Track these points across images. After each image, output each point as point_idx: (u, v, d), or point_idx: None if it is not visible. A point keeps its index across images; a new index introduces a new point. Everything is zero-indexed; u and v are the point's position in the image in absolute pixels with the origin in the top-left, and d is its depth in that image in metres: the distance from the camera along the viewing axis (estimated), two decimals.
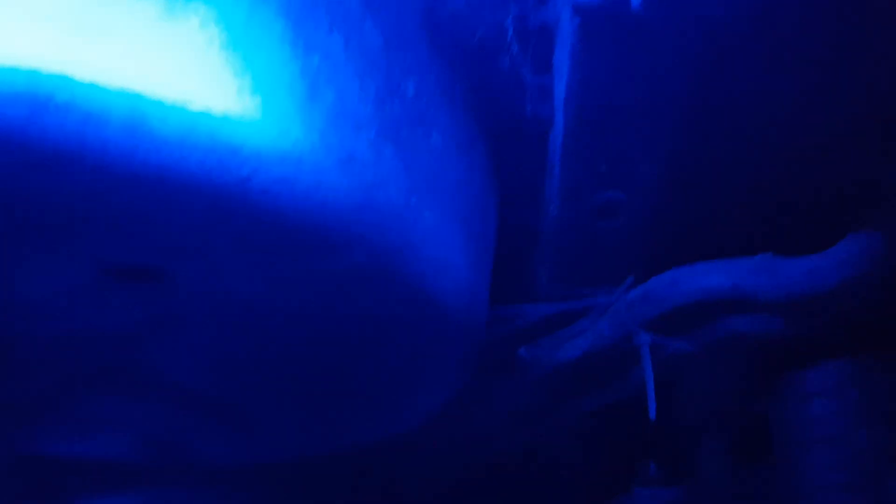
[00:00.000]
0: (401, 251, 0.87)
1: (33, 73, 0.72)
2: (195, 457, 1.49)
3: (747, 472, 1.46)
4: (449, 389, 1.24)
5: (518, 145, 1.28)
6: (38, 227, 0.80)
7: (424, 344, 1.05)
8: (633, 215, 1.25)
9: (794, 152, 1.23)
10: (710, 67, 1.06)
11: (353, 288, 0.90)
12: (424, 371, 1.13)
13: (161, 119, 0.73)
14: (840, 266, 1.19)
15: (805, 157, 1.23)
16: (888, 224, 1.18)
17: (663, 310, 1.29)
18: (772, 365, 1.33)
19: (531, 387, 1.49)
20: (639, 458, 1.62)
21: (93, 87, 0.72)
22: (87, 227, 0.79)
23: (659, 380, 1.33)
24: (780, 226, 1.28)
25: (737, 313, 1.24)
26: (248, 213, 0.76)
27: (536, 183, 1.34)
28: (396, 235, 0.87)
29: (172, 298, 0.93)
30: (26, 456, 1.54)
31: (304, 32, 0.84)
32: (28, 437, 1.40)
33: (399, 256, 0.88)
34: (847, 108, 1.16)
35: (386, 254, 0.86)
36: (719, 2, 0.87)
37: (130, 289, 0.91)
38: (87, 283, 0.90)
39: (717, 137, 1.20)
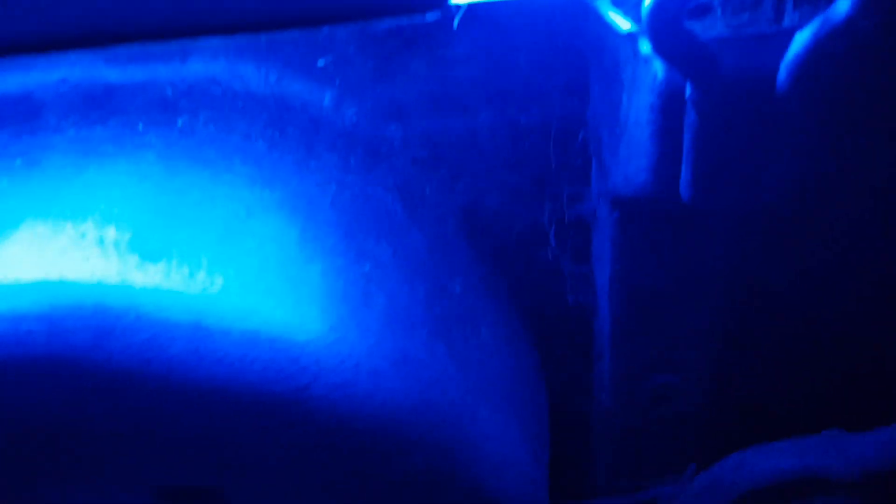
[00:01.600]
0: (459, 451, 0.86)
1: (99, 300, 0.75)
2: None
3: None
4: None
5: (563, 335, 1.29)
6: (101, 449, 0.81)
7: None
8: (689, 399, 1.22)
9: (845, 321, 1.22)
10: (753, 247, 1.07)
11: (413, 492, 0.87)
12: None
13: (223, 333, 0.75)
14: None
15: (858, 325, 1.22)
16: None
17: (732, 497, 1.23)
18: None
19: None
20: None
21: (157, 307, 0.75)
22: (148, 450, 0.80)
23: None
24: (842, 399, 1.25)
25: (811, 496, 1.18)
26: (307, 420, 0.76)
27: (585, 372, 1.33)
28: (454, 435, 0.85)
29: None
30: None
31: (354, 244, 0.88)
32: None
33: (458, 456, 0.86)
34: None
35: (444, 454, 0.84)
36: (767, 191, 0.90)
37: None
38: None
39: (766, 314, 1.20)
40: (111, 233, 0.80)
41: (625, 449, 1.35)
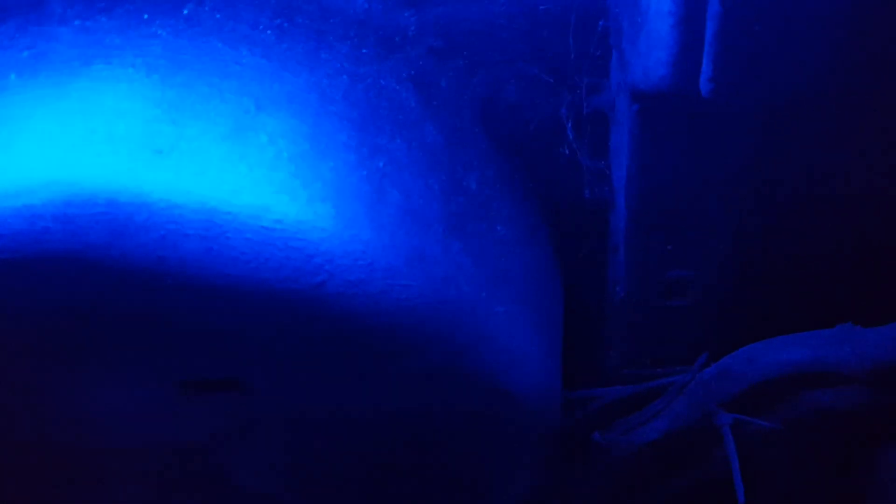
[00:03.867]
0: (475, 346, 0.87)
1: (112, 197, 0.75)
2: None
3: None
4: (528, 479, 1.21)
5: (579, 228, 1.28)
6: (120, 345, 0.82)
7: (502, 436, 1.03)
8: (703, 293, 1.23)
9: (862, 218, 1.20)
10: (772, 142, 1.05)
11: (429, 387, 0.89)
12: (503, 463, 1.11)
13: (237, 231, 0.74)
14: None
15: (876, 221, 1.20)
16: None
17: (742, 387, 1.25)
18: (864, 436, 1.27)
19: (609, 472, 1.45)
20: None
21: (169, 205, 0.74)
22: (167, 343, 0.81)
23: (743, 458, 1.28)
24: (856, 295, 1.24)
25: (820, 387, 1.19)
26: (323, 317, 0.77)
27: (600, 265, 1.33)
28: (470, 331, 0.86)
29: (249, 407, 0.93)
30: None
31: (368, 139, 0.86)
32: None
33: (474, 352, 0.87)
34: None
35: (460, 350, 0.86)
36: (786, 87, 0.87)
37: (209, 400, 0.91)
38: (166, 396, 0.91)
39: (783, 210, 1.18)
40: (121, 128, 0.79)
41: (637, 339, 1.36)
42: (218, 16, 0.89)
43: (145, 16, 0.88)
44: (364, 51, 0.95)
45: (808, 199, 1.15)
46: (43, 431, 0.99)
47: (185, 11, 0.89)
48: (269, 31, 0.90)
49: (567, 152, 1.18)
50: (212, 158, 0.79)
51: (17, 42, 0.89)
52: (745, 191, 1.10)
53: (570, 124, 1.16)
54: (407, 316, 0.80)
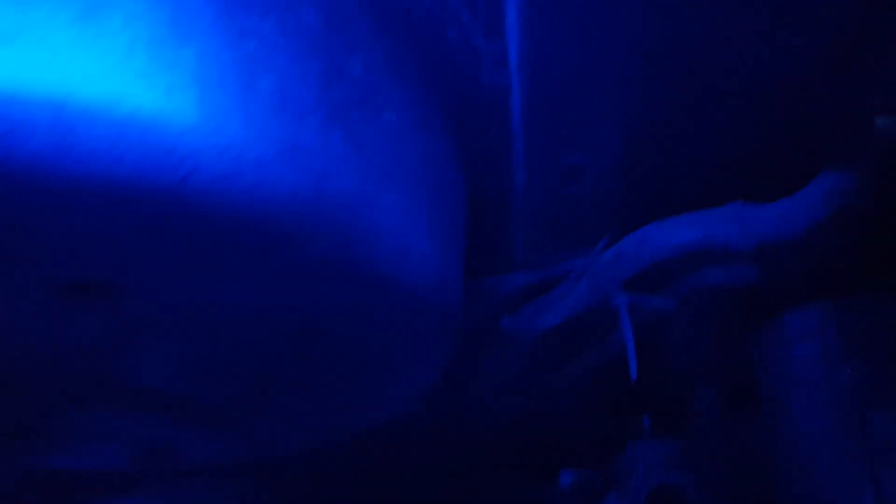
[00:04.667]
0: (359, 241, 0.84)
1: None
2: (183, 460, 1.47)
3: (739, 419, 1.45)
4: (431, 371, 1.22)
5: (479, 115, 1.25)
6: None
7: (397, 330, 1.02)
8: (601, 176, 1.23)
9: (758, 94, 1.20)
10: (666, 14, 1.02)
11: (312, 281, 0.87)
12: (402, 356, 1.11)
13: (88, 124, 0.69)
14: (809, 210, 1.16)
15: (769, 97, 1.20)
16: (855, 163, 1.15)
17: (637, 269, 1.27)
18: (752, 312, 1.31)
19: (517, 356, 1.48)
20: (632, 414, 1.61)
21: (12, 97, 0.68)
22: (27, 248, 0.76)
23: (642, 337, 1.31)
24: (750, 172, 1.26)
25: (710, 265, 1.22)
26: (190, 214, 0.73)
27: (502, 152, 1.31)
28: (352, 225, 0.83)
29: (131, 308, 0.90)
30: (30, 471, 1.53)
31: (236, 20, 0.80)
32: (26, 455, 1.38)
33: (358, 246, 0.85)
34: (811, 43, 1.13)
35: (343, 245, 0.83)
36: None
37: (85, 304, 0.87)
38: (42, 301, 0.86)
39: (679, 88, 1.17)
40: None
41: (539, 225, 1.37)
42: None
43: None
44: None
45: (702, 73, 1.14)
46: None
47: None
48: None
49: (462, 34, 1.14)
50: (60, 45, 0.72)
51: None
52: (638, 70, 1.08)
53: (463, 3, 1.11)
54: (280, 210, 0.77)
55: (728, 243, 1.19)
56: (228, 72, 0.77)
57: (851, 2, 1.07)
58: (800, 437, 1.23)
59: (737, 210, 1.20)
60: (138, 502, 1.71)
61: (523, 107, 1.13)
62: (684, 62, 1.13)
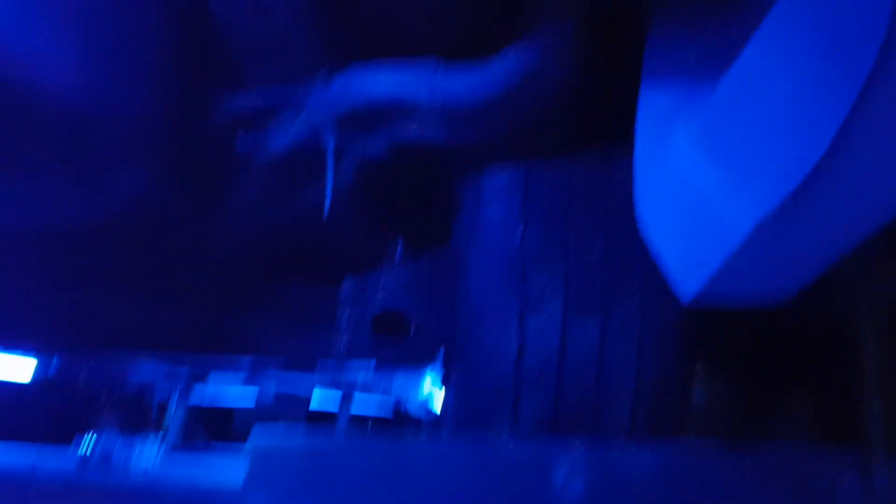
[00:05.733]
0: None
1: None
2: None
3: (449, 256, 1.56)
4: (121, 177, 1.26)
5: None
6: None
7: (31, 135, 1.04)
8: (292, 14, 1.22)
9: None
10: None
11: None
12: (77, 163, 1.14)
13: None
14: (498, 76, 1.21)
15: None
16: (545, 34, 1.19)
17: (343, 111, 1.31)
18: (452, 168, 1.39)
19: (254, 177, 1.53)
20: (385, 239, 1.71)
21: None
22: None
23: (345, 178, 1.38)
24: (455, 35, 1.28)
25: (402, 121, 1.27)
26: None
27: None
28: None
29: None
30: None
31: None
32: None
33: None
34: None
35: None
36: None
37: None
38: None
39: None
40: None
41: (259, 49, 1.37)
42: None
43: None
44: None
45: None
46: None
47: None
48: None
49: None
50: None
51: None
52: None
53: None
54: None
55: (419, 103, 1.24)
56: None
57: None
58: (475, 289, 1.36)
59: (431, 70, 1.24)
60: None
61: None
62: None
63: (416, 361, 1.75)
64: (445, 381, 1.61)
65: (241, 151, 1.49)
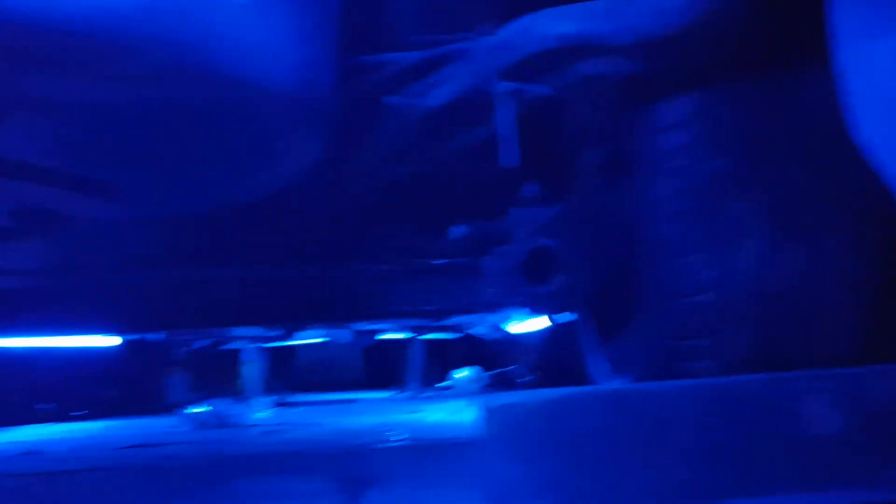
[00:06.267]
0: (204, 43, 0.82)
1: None
2: (66, 219, 1.51)
3: (611, 188, 1.53)
4: (305, 154, 1.24)
5: None
6: None
7: (262, 122, 1.02)
8: None
9: None
10: None
11: (166, 84, 0.85)
12: (271, 144, 1.12)
13: None
14: (686, 5, 1.17)
15: None
16: None
17: (518, 57, 1.27)
18: (627, 100, 1.34)
19: (402, 131, 1.50)
20: (516, 182, 1.68)
21: None
22: None
23: (524, 118, 1.34)
24: None
25: (588, 57, 1.23)
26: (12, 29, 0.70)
27: None
28: (196, 28, 0.81)
29: None
30: None
31: None
32: None
33: (204, 48, 0.82)
34: None
35: (187, 48, 0.81)
36: None
37: None
38: None
39: None
40: None
41: (424, 4, 1.34)
42: None
43: None
44: None
45: None
46: None
47: None
48: None
49: None
50: None
51: None
52: None
53: None
54: (113, 22, 0.74)
55: (606, 37, 1.20)
56: None
57: None
58: (662, 216, 1.32)
59: (616, 3, 1.20)
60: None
61: None
62: None
63: (568, 305, 1.73)
64: (616, 326, 1.59)
65: (393, 106, 1.46)
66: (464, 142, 1.56)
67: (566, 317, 2.08)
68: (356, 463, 1.73)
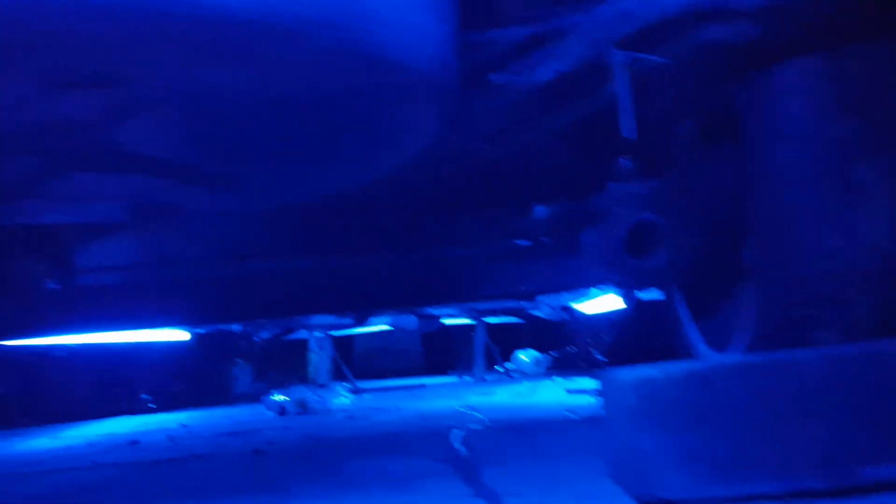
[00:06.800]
0: (363, 26, 0.82)
1: None
2: (180, 212, 1.53)
3: (714, 158, 1.50)
4: (429, 135, 1.24)
5: None
6: None
7: (398, 104, 1.03)
8: None
9: None
10: None
11: (326, 68, 0.86)
12: (401, 126, 1.12)
13: None
14: None
15: None
16: None
17: (637, 26, 1.25)
18: (743, 65, 1.31)
19: (507, 108, 1.49)
20: (610, 157, 1.66)
21: None
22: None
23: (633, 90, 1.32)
24: None
25: (711, 22, 1.20)
26: (192, 16, 0.70)
27: None
28: (356, 12, 0.81)
29: (129, 94, 0.89)
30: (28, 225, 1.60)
31: None
32: (25, 210, 1.44)
33: (362, 31, 0.82)
34: None
35: (348, 32, 0.81)
36: None
37: (83, 93, 0.86)
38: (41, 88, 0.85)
39: None
40: None
41: None
42: None
43: None
44: None
45: None
46: None
47: None
48: None
49: None
50: None
51: None
52: None
53: None
54: (280, 8, 0.74)
55: (731, 1, 1.17)
56: None
57: None
58: (781, 183, 1.29)
59: None
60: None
61: None
62: None
63: (671, 279, 1.70)
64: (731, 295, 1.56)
65: (495, 85, 1.45)
66: (566, 118, 1.55)
67: (653, 294, 2.06)
68: (460, 443, 1.74)
